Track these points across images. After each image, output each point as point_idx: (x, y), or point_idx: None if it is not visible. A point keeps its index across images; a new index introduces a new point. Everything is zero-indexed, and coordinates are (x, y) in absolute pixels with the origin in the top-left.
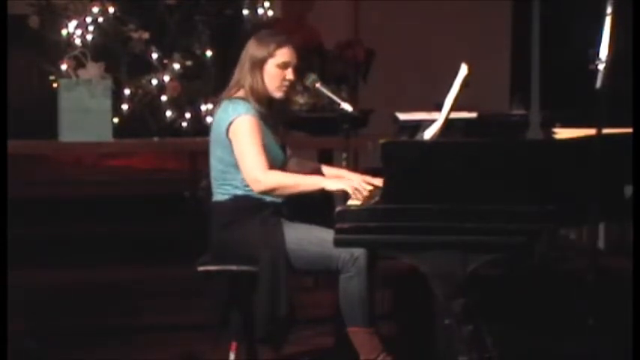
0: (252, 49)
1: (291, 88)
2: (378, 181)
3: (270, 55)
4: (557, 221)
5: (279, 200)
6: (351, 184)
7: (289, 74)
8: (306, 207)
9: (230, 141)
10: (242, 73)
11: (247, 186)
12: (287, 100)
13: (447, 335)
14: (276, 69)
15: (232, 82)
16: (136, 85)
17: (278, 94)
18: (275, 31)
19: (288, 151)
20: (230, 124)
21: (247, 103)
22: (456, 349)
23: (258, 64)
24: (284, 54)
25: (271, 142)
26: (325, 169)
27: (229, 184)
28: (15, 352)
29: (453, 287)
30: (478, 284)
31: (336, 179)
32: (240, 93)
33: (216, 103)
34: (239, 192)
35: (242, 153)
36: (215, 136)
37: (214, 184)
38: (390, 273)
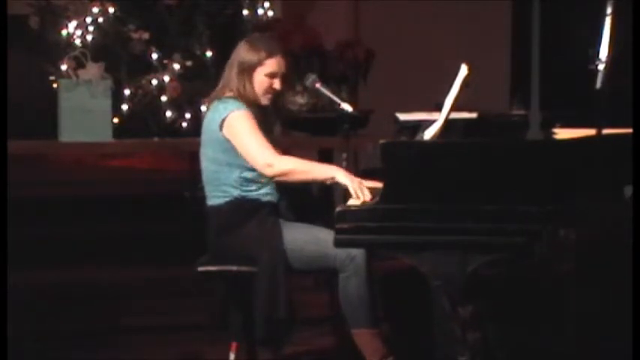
0: (243, 53)
1: (278, 97)
2: (371, 183)
3: (260, 63)
4: (557, 221)
5: (275, 199)
6: (355, 186)
7: (276, 84)
8: (304, 207)
9: (225, 139)
10: (231, 75)
11: (242, 185)
12: (278, 106)
13: (448, 339)
14: (263, 77)
15: (222, 82)
16: (136, 85)
17: (264, 102)
18: (267, 35)
19: None
20: (223, 120)
21: (238, 101)
22: (456, 351)
23: (247, 71)
24: (273, 64)
25: None
26: None
27: (224, 184)
28: (15, 352)
29: (460, 293)
30: (482, 287)
31: (347, 174)
32: (230, 94)
33: (206, 104)
34: (235, 192)
35: (246, 144)
36: (206, 137)
37: (208, 188)
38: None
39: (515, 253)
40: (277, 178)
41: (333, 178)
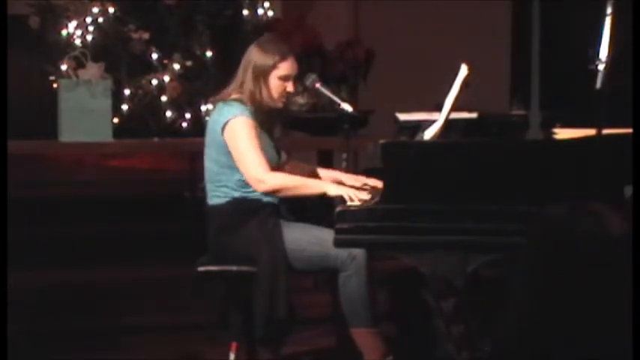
0: (256, 58)
1: (287, 99)
2: (373, 182)
3: (274, 66)
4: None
5: (276, 200)
6: (349, 192)
7: (289, 87)
8: (304, 207)
9: (225, 142)
10: (245, 79)
11: (243, 187)
12: (285, 109)
13: (436, 335)
14: (277, 80)
15: (233, 84)
16: (136, 85)
17: (278, 105)
18: (278, 38)
19: (283, 156)
20: (225, 124)
21: (242, 105)
22: (445, 348)
23: (262, 75)
24: (286, 67)
25: (267, 145)
26: (321, 171)
27: (225, 186)
28: (15, 352)
29: (445, 286)
30: (476, 284)
31: (338, 185)
32: (237, 96)
33: (212, 104)
34: (236, 194)
35: (241, 154)
36: (210, 138)
37: (210, 187)
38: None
39: (514, 254)
40: (269, 194)
41: (324, 194)
